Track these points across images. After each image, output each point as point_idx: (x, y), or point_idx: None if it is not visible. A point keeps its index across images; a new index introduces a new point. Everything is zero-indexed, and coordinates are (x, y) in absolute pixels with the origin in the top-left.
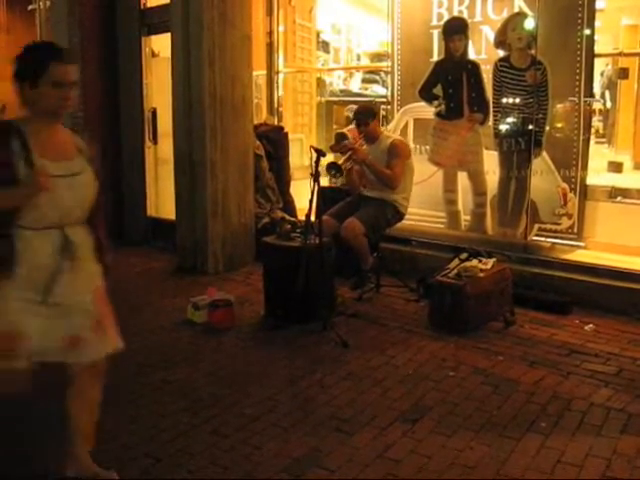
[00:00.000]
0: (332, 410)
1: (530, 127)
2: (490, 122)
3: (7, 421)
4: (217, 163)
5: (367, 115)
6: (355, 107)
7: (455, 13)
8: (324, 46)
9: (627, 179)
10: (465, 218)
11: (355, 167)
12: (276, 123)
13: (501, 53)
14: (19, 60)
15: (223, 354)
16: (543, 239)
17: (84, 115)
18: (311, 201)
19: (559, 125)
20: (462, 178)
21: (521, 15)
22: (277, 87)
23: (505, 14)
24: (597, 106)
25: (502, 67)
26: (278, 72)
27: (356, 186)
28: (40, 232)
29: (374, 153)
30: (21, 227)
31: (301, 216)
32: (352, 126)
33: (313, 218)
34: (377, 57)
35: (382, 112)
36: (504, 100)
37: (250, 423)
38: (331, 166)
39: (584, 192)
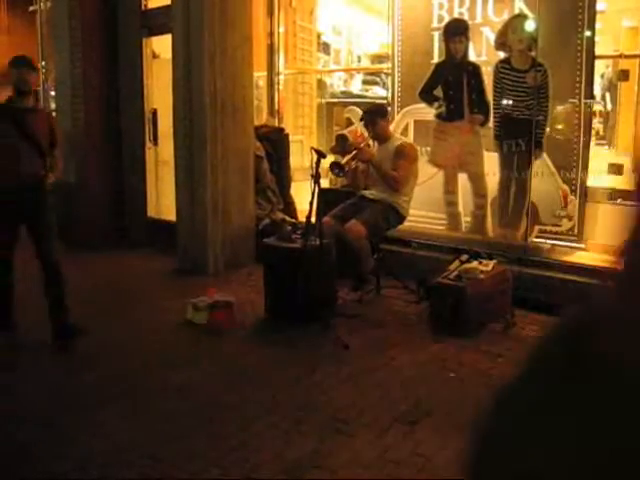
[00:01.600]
0: (332, 411)
1: (530, 129)
2: (490, 124)
3: None
4: (217, 164)
5: (375, 115)
6: (355, 108)
7: (456, 15)
8: (325, 48)
9: (627, 181)
10: (465, 220)
11: (361, 167)
12: (277, 124)
13: (502, 55)
14: None
15: (223, 355)
16: (543, 241)
17: (84, 116)
18: (311, 202)
19: (559, 127)
20: (462, 180)
21: (522, 17)
22: (278, 88)
23: (506, 16)
24: (597, 108)
25: (503, 69)
26: (279, 73)
27: (361, 185)
28: None
29: (382, 154)
30: None
31: (302, 217)
32: (353, 127)
33: (313, 220)
34: (378, 59)
35: None
36: (504, 102)
37: (250, 424)
38: (334, 165)
39: (584, 194)
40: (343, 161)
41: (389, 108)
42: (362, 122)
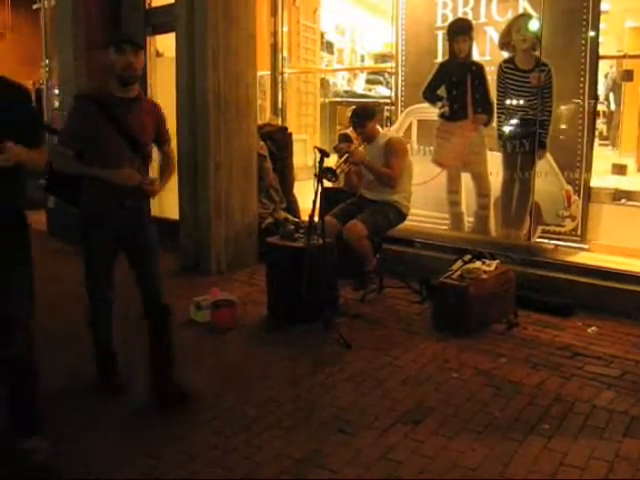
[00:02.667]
0: (334, 411)
1: (534, 129)
2: (494, 123)
3: None
4: (221, 163)
5: (364, 117)
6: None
7: (459, 14)
8: (328, 47)
9: (631, 181)
10: (468, 219)
11: (353, 168)
12: (280, 123)
13: (505, 54)
14: None
15: (226, 354)
16: (546, 241)
17: None
18: (314, 202)
19: (563, 127)
20: (466, 179)
21: (526, 16)
22: (281, 88)
23: (510, 15)
24: (601, 108)
25: (506, 68)
26: (282, 72)
27: (356, 188)
28: None
29: (372, 153)
30: None
31: (304, 217)
32: None
33: (316, 219)
34: (381, 58)
35: (386, 113)
36: (508, 101)
37: (252, 424)
38: (326, 170)
39: (588, 194)
40: (335, 166)
41: (392, 108)
42: (350, 125)
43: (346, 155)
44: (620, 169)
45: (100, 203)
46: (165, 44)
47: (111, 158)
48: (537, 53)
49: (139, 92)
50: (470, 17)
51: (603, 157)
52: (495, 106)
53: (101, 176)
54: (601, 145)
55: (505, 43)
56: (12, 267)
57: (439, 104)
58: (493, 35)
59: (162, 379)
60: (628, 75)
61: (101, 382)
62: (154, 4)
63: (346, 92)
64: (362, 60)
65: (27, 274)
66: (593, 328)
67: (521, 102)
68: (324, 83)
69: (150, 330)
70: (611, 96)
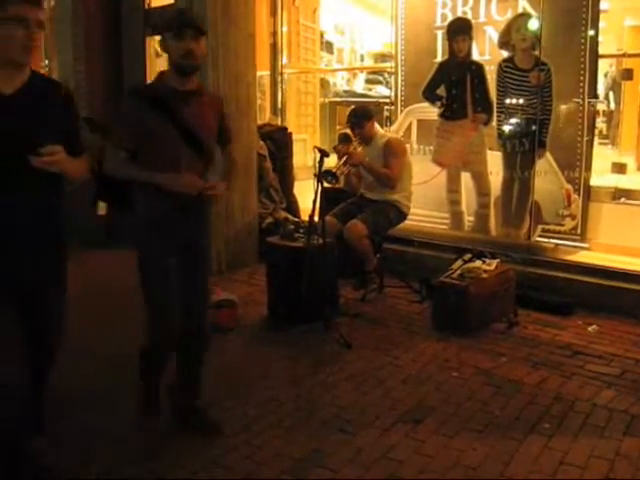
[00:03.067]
0: (335, 410)
1: (534, 128)
2: (494, 123)
3: None
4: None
5: (362, 117)
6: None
7: (459, 14)
8: (328, 47)
9: (631, 180)
10: (468, 219)
11: (352, 170)
12: (280, 123)
13: (505, 54)
14: None
15: (226, 354)
16: (546, 240)
17: (88, 113)
18: (314, 201)
19: (563, 126)
20: (465, 179)
21: (525, 16)
22: (281, 87)
23: (509, 15)
24: (601, 107)
25: (506, 68)
26: (282, 72)
27: (355, 188)
28: None
29: (370, 154)
30: None
31: (304, 216)
32: None
33: (316, 218)
34: (381, 58)
35: (386, 113)
36: (508, 101)
37: (253, 423)
38: (326, 173)
39: (588, 193)
40: (334, 168)
41: (391, 107)
42: (348, 125)
43: (345, 157)
44: (620, 168)
45: (160, 206)
46: None
47: (166, 157)
48: (537, 52)
49: (199, 84)
50: (469, 16)
51: (603, 156)
52: (495, 105)
53: (157, 182)
54: (601, 144)
55: (504, 42)
56: (54, 284)
57: (439, 103)
58: (492, 34)
59: (186, 405)
60: (628, 74)
61: (141, 412)
62: (154, 4)
63: (346, 92)
64: (362, 60)
65: (63, 292)
66: (593, 327)
67: (521, 101)
68: (324, 83)
69: (180, 353)
70: (611, 95)
